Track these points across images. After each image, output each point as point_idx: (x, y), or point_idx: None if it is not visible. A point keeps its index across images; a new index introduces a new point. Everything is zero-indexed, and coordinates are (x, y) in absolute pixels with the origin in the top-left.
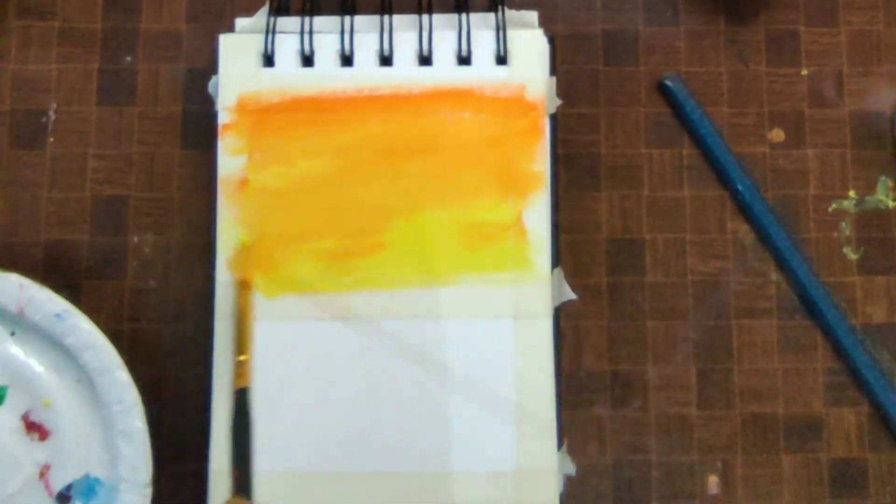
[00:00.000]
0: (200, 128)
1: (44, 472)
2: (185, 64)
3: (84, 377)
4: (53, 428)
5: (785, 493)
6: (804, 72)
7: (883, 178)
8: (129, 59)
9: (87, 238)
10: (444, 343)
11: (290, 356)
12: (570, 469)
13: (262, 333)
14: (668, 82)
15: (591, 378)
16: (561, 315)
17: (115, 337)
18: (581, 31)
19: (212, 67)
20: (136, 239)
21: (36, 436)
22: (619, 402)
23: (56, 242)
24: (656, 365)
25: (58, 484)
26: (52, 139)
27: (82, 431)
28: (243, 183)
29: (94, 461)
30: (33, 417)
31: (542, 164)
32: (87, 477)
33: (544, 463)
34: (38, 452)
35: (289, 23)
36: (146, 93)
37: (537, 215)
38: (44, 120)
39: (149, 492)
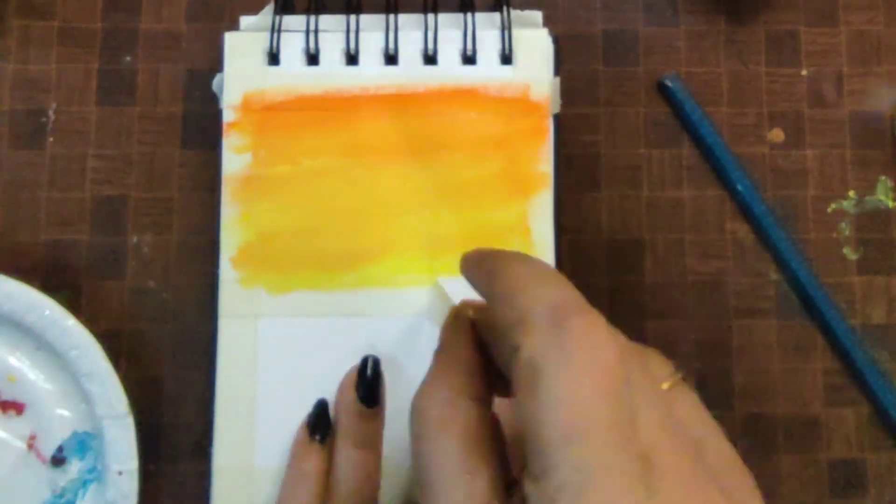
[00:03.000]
0: (200, 128)
1: (31, 444)
2: (185, 64)
3: (43, 343)
4: (27, 400)
5: (784, 493)
6: (804, 72)
7: (882, 178)
8: (128, 59)
9: (86, 238)
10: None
11: (294, 354)
12: None
13: (267, 331)
14: (668, 82)
15: None
16: None
17: (114, 337)
18: (581, 31)
19: (212, 67)
20: (135, 239)
21: (12, 412)
22: None
23: (55, 242)
24: None
25: (48, 449)
26: (51, 139)
27: (56, 393)
28: (248, 181)
29: (77, 418)
30: (4, 396)
31: (546, 164)
32: (75, 434)
33: None
34: (19, 427)
35: (294, 21)
36: (146, 93)
37: (542, 215)
38: (43, 120)
39: (130, 420)
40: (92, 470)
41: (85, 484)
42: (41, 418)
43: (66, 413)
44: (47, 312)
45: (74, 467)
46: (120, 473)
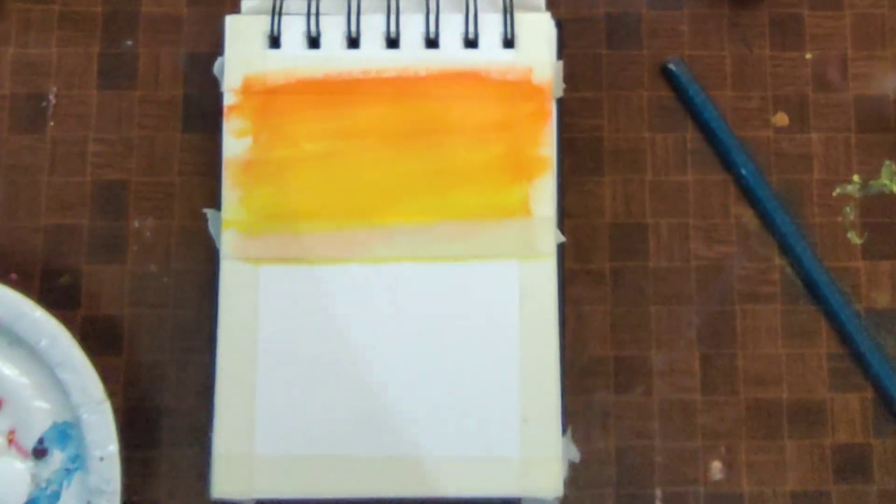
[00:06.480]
0: (201, 112)
1: (11, 438)
2: (185, 47)
3: (15, 338)
4: (4, 395)
5: (788, 478)
6: (808, 55)
7: (887, 162)
8: (129, 42)
9: (87, 222)
10: (443, 318)
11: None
12: (574, 455)
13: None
14: (672, 66)
15: (595, 363)
16: (564, 300)
17: (115, 322)
18: (584, 15)
19: (212, 51)
20: (136, 223)
21: None
22: (623, 387)
23: (56, 227)
24: (660, 350)
25: (29, 442)
26: (52, 123)
27: (33, 386)
28: (249, 164)
29: (55, 409)
30: None
31: (548, 148)
32: (55, 425)
33: (549, 449)
34: None
35: (295, 4)
36: (147, 76)
37: (544, 199)
38: (44, 104)
39: (107, 405)
40: (75, 459)
41: (69, 473)
42: (19, 412)
43: (44, 405)
44: (14, 305)
45: (57, 458)
46: (101, 459)
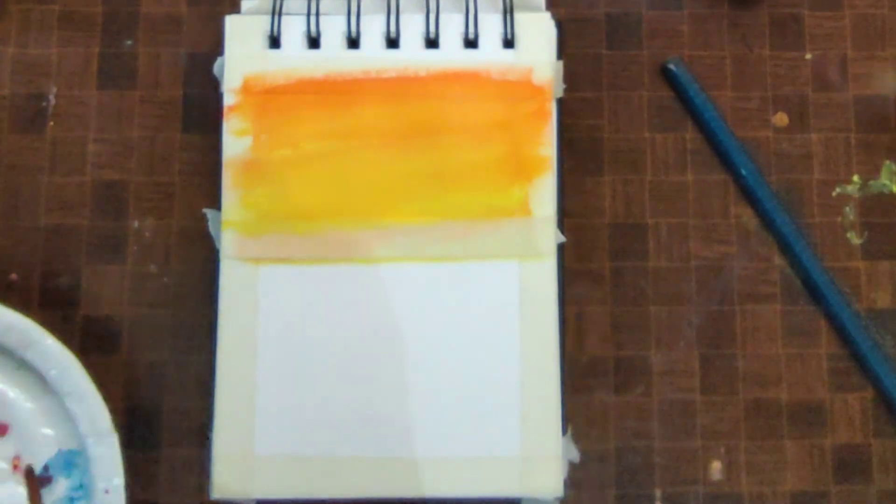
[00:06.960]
0: (201, 112)
1: (16, 464)
2: (186, 48)
3: (23, 363)
4: (10, 420)
5: (788, 478)
6: (808, 55)
7: (887, 162)
8: (129, 42)
9: (87, 223)
10: (443, 318)
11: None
12: (574, 455)
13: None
14: (672, 66)
15: (594, 363)
16: (564, 300)
17: (114, 322)
18: (584, 15)
19: (213, 51)
20: (136, 223)
21: None
22: (623, 387)
23: (56, 227)
24: (659, 350)
25: (34, 468)
26: (52, 123)
27: (39, 413)
28: (249, 165)
29: (62, 436)
30: None
31: (548, 147)
32: (60, 452)
33: (549, 449)
34: (3, 449)
35: (295, 4)
36: (147, 77)
37: (544, 199)
38: (44, 104)
39: (114, 438)
40: (79, 488)
41: (73, 502)
42: (25, 438)
43: (50, 432)
44: (25, 333)
45: (61, 486)
46: (106, 492)
